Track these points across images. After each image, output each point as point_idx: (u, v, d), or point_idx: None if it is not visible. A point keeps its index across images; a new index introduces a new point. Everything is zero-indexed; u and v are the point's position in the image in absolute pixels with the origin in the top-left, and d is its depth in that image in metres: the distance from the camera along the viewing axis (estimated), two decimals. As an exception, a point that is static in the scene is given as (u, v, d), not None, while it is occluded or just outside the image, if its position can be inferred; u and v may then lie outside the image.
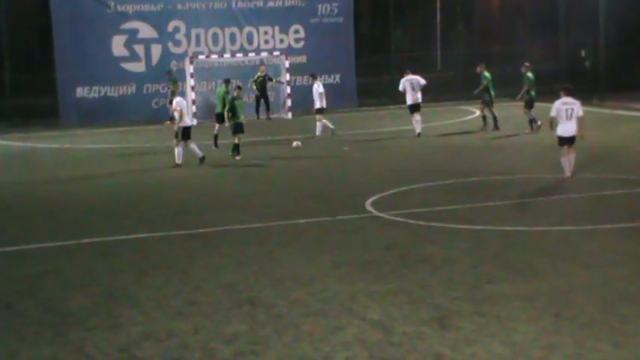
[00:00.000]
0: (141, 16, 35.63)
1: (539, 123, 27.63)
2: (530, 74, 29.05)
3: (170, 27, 35.91)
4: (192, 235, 15.10)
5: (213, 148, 26.55)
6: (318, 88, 29.13)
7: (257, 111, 35.10)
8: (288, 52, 36.44)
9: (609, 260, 12.44)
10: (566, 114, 19.28)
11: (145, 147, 27.01)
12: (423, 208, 16.46)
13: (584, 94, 37.08)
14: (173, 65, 35.54)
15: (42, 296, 11.65)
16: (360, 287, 11.42)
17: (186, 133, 23.10)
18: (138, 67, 35.52)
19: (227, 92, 26.27)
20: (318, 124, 28.77)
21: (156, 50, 35.78)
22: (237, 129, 24.26)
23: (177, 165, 22.76)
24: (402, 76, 28.53)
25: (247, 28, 36.86)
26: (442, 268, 12.30)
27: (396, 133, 28.38)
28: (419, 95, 28.15)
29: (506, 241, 13.85)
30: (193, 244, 14.37)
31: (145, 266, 13.00)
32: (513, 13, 42.61)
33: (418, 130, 27.64)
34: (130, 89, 35.28)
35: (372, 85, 38.95)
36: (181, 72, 34.90)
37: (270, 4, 37.40)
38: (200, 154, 23.11)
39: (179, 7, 36.12)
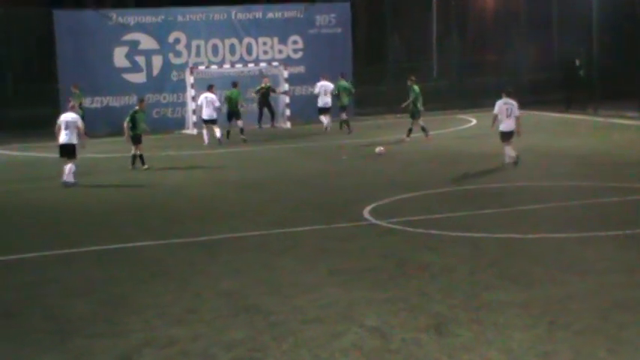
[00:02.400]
0: (142, 28, 35.65)
1: (430, 133, 28.92)
2: (415, 87, 29.18)
3: (171, 38, 35.94)
4: (191, 243, 15.05)
5: (227, 139, 30.21)
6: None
7: (259, 120, 35.07)
8: (287, 62, 36.45)
9: (604, 268, 12.38)
10: (507, 112, 22.37)
11: (146, 156, 26.91)
12: (420, 216, 16.41)
13: (578, 103, 37.27)
14: (174, 76, 35.52)
15: (42, 304, 11.60)
16: (358, 295, 11.36)
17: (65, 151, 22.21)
18: (139, 77, 35.54)
19: (239, 93, 30.64)
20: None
21: (157, 61, 35.79)
22: (137, 140, 24.28)
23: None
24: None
25: (246, 39, 36.88)
26: (439, 275, 12.24)
27: (392, 142, 28.32)
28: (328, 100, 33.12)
29: (503, 248, 13.79)
30: (192, 252, 14.31)
31: (144, 274, 12.95)
32: (507, 22, 42.65)
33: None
34: (132, 99, 35.16)
35: (369, 95, 38.93)
36: (182, 82, 34.89)
37: (270, 15, 37.44)
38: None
39: (179, 18, 36.15)
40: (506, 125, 22.42)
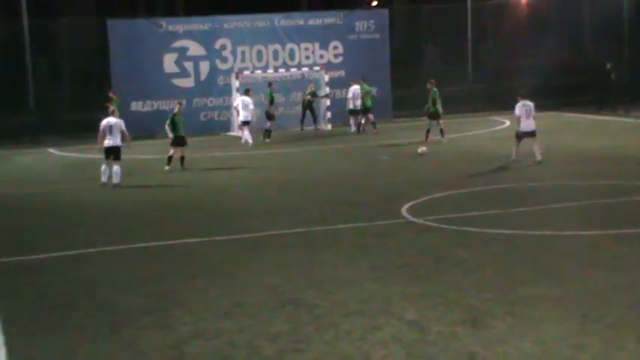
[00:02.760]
0: (190, 35, 35.82)
1: (444, 138, 28.70)
2: (435, 90, 29.23)
3: (217, 45, 36.06)
4: (236, 240, 15.10)
5: (267, 140, 30.49)
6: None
7: (302, 122, 35.12)
8: (328, 67, 36.44)
9: (635, 264, 12.25)
10: (526, 113, 23.06)
11: (192, 157, 27.06)
12: (455, 214, 16.32)
13: (609, 105, 36.85)
14: (220, 81, 35.67)
15: (98, 297, 11.72)
16: (396, 289, 11.33)
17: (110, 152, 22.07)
18: (187, 82, 35.68)
19: (272, 93, 31.91)
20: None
21: (204, 67, 35.94)
22: (178, 142, 24.20)
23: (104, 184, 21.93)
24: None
25: (289, 45, 36.89)
26: (475, 271, 12.18)
27: (429, 143, 28.20)
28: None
29: (536, 245, 13.69)
30: (238, 249, 14.36)
31: (192, 270, 13.02)
32: (540, 27, 42.28)
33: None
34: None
35: (406, 98, 38.76)
36: (228, 87, 35.02)
37: (311, 22, 37.44)
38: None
39: (225, 26, 36.27)
40: (527, 125, 22.99)
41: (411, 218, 16.11)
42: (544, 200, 17.51)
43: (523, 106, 23.13)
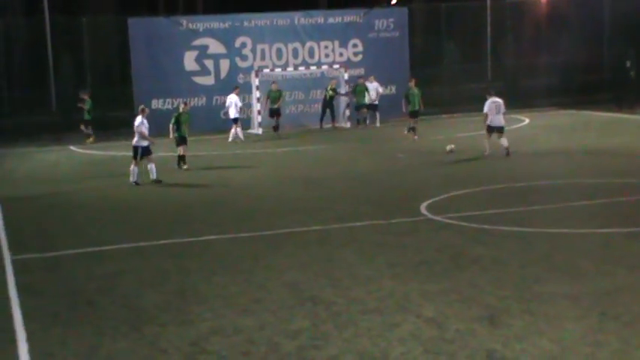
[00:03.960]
0: (210, 33, 35.90)
1: (415, 135, 29.23)
2: (416, 89, 30.25)
3: (237, 43, 36.10)
4: (256, 237, 15.15)
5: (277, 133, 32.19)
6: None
7: (321, 120, 35.16)
8: (348, 65, 36.43)
9: (653, 261, 12.21)
10: (496, 110, 23.96)
11: (213, 155, 27.18)
12: (474, 212, 16.31)
13: (628, 103, 36.64)
14: (240, 78, 35.74)
15: (119, 294, 11.80)
16: (414, 286, 11.36)
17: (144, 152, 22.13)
18: (208, 80, 35.76)
19: (277, 91, 32.86)
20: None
21: (224, 65, 36.01)
22: (181, 141, 24.08)
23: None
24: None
25: (309, 43, 36.89)
26: (492, 268, 12.18)
27: (447, 141, 28.14)
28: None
29: (553, 243, 13.67)
30: (258, 246, 14.41)
31: (213, 266, 13.09)
32: (559, 25, 42.09)
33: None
34: (201, 101, 35.52)
35: (425, 96, 38.55)
36: (248, 84, 35.09)
37: (331, 20, 37.42)
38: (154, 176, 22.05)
39: (245, 24, 36.32)
40: (496, 120, 24.04)
41: (430, 216, 16.11)
42: (561, 198, 17.46)
43: (493, 103, 24.09)
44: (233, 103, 31.25)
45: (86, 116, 33.35)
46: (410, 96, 30.19)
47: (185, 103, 25.40)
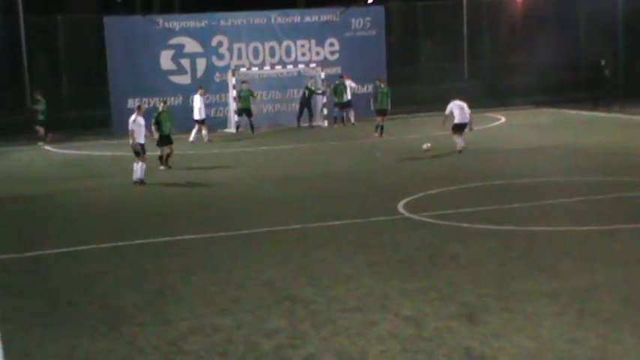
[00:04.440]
0: (187, 32, 35.79)
1: (382, 135, 29.77)
2: (385, 88, 30.75)
3: (214, 42, 36.02)
4: (235, 236, 15.13)
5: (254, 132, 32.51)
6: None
7: (298, 119, 35.18)
8: (324, 64, 36.45)
9: (630, 259, 12.30)
10: (459, 109, 24.93)
11: (190, 154, 27.11)
12: (451, 210, 16.37)
13: (604, 102, 36.90)
14: (217, 78, 35.68)
15: (97, 294, 11.75)
16: (393, 285, 11.38)
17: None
18: (184, 79, 35.66)
19: (248, 90, 32.76)
20: None
21: (201, 64, 35.92)
22: (163, 141, 23.81)
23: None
24: None
25: (286, 42, 36.88)
26: (470, 266, 12.23)
27: (425, 140, 28.23)
28: None
29: (531, 240, 13.74)
30: (236, 245, 14.40)
31: (191, 266, 13.06)
32: (536, 24, 42.30)
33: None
34: (177, 100, 35.36)
35: (402, 94, 38.74)
36: (224, 84, 35.03)
37: (307, 19, 37.42)
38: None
39: (222, 23, 36.26)
40: (462, 117, 24.89)
41: (407, 214, 16.15)
42: (538, 196, 17.55)
43: (456, 105, 25.08)
44: (196, 104, 30.98)
45: (40, 117, 32.97)
46: (378, 94, 30.57)
47: (164, 102, 25.27)
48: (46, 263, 13.81)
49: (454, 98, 25.48)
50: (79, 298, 11.54)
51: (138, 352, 9.31)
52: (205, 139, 30.64)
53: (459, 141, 24.79)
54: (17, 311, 11.07)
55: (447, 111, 25.21)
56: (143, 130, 22.19)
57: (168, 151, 24.06)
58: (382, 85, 30.98)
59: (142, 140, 22.01)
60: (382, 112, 30.22)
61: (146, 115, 22.76)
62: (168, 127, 23.93)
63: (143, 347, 9.43)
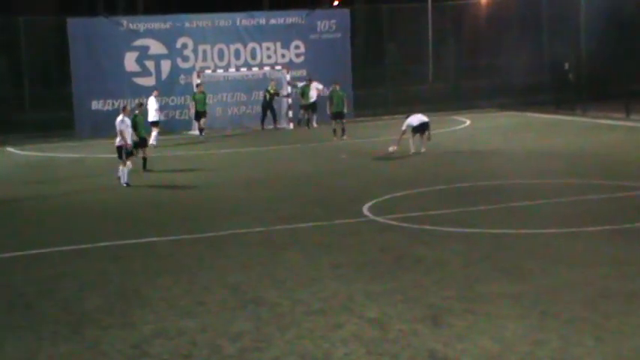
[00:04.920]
0: (151, 34, 35.64)
1: (343, 137, 30.02)
2: (340, 91, 31.12)
3: (179, 44, 35.90)
4: (199, 239, 15.09)
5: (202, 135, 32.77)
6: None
7: (262, 122, 35.17)
8: (290, 66, 36.46)
9: (592, 261, 12.43)
10: (416, 117, 25.45)
11: (155, 156, 26.98)
12: (416, 213, 16.44)
13: (567, 104, 37.27)
14: (181, 80, 35.56)
15: (59, 297, 11.66)
16: (357, 287, 11.41)
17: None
18: (149, 81, 35.46)
19: (202, 93, 32.37)
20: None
21: (165, 65, 35.77)
22: (139, 144, 23.55)
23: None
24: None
25: (251, 44, 36.84)
26: (435, 269, 12.29)
27: (389, 142, 28.33)
28: None
29: (495, 243, 13.84)
30: (201, 248, 14.36)
31: (155, 268, 13.01)
32: (500, 27, 42.66)
33: None
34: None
35: (367, 97, 38.91)
36: (189, 86, 34.92)
37: (273, 21, 37.42)
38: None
39: (187, 25, 36.14)
40: (419, 119, 25.35)
41: (372, 217, 16.20)
42: (502, 199, 17.67)
43: (414, 116, 25.49)
44: (151, 106, 30.75)
45: None
46: (334, 97, 30.73)
47: (140, 105, 25.09)
48: (5, 266, 13.69)
49: (411, 113, 25.90)
50: (39, 302, 11.45)
51: (101, 356, 9.25)
52: (154, 142, 29.81)
53: (417, 142, 25.26)
54: (-23, 315, 10.96)
55: (404, 126, 25.38)
56: (130, 130, 22.05)
57: (143, 154, 23.83)
58: (337, 88, 31.11)
59: (130, 140, 21.87)
60: (339, 115, 30.34)
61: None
62: (143, 130, 23.85)
63: (107, 351, 9.37)
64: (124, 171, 21.57)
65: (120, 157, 21.69)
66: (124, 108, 22.65)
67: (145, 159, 23.81)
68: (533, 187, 19.21)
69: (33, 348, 9.60)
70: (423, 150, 25.18)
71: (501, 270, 12.05)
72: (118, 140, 21.81)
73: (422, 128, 25.35)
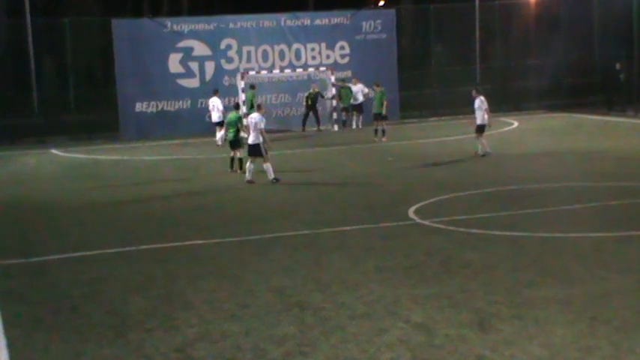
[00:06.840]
0: (195, 35, 35.93)
1: (383, 139, 29.97)
2: (379, 92, 30.59)
3: (223, 45, 36.16)
4: (244, 241, 15.16)
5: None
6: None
7: (304, 123, 35.27)
8: (335, 67, 36.51)
9: (644, 265, 12.28)
10: (480, 109, 25.13)
11: (198, 158, 27.17)
12: (463, 216, 16.37)
13: (618, 106, 36.84)
14: (225, 81, 35.75)
15: (104, 299, 11.78)
16: (403, 291, 11.38)
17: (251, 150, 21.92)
18: (192, 83, 35.78)
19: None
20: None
21: (209, 67, 36.04)
22: (235, 144, 23.76)
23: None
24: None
25: (295, 45, 36.99)
26: (482, 273, 12.22)
27: (437, 144, 28.30)
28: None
29: (544, 247, 13.73)
30: (245, 251, 14.42)
31: (199, 271, 13.08)
32: (549, 27, 42.30)
33: None
34: (185, 104, 35.56)
35: (413, 98, 38.84)
36: (234, 87, 35.12)
37: (317, 22, 37.51)
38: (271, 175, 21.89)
39: (231, 25, 36.37)
40: (482, 119, 25.13)
41: (418, 220, 16.15)
42: (551, 202, 17.53)
43: (482, 102, 25.20)
44: (215, 106, 31.05)
45: None
46: (374, 98, 30.76)
47: (238, 105, 25.34)
48: (52, 268, 13.85)
49: (479, 92, 25.61)
50: (84, 304, 11.57)
51: (144, 359, 9.33)
52: (219, 141, 30.43)
53: (482, 144, 25.01)
54: (21, 317, 11.10)
55: (476, 105, 25.36)
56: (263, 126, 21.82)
57: (239, 155, 23.80)
58: (377, 89, 30.95)
59: (251, 141, 21.69)
60: (378, 117, 30.24)
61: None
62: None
63: (150, 354, 9.45)
64: (268, 168, 21.68)
65: (259, 154, 21.60)
66: (259, 106, 22.36)
67: (240, 159, 23.71)
68: (582, 190, 19.02)
69: (78, 350, 9.71)
70: (486, 150, 25.07)
71: (550, 274, 11.95)
72: (251, 138, 21.65)
73: (483, 129, 25.37)
